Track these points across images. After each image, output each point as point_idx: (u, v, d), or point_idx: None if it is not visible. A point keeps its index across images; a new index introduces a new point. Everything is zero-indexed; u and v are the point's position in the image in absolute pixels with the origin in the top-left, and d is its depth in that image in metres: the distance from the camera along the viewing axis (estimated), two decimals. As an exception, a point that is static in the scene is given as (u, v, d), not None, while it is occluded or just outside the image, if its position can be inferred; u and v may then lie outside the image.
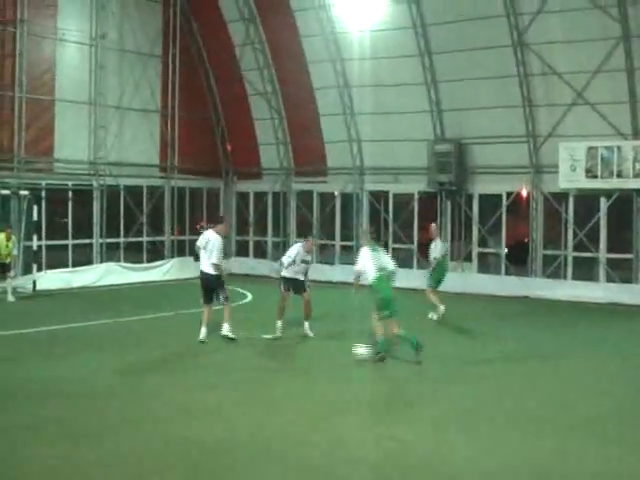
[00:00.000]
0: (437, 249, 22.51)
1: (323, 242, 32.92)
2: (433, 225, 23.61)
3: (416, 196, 30.77)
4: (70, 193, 29.97)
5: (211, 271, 18.19)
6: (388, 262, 16.71)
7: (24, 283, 26.98)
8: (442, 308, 21.97)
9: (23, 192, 27.50)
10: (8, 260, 24.72)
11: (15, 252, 25.26)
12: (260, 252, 35.18)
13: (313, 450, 10.80)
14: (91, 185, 30.50)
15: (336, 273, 30.80)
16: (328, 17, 30.54)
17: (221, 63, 34.30)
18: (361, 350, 16.23)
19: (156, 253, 32.94)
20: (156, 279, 31.28)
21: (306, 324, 19.16)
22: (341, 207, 32.92)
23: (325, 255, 33.16)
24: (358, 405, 13.10)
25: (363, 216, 31.89)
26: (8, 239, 24.73)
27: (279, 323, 18.92)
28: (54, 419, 12.01)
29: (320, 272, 28.91)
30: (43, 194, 28.79)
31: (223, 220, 21.56)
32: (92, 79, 30.33)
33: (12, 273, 25.15)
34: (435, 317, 22.04)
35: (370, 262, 16.43)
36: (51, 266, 28.66)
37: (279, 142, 33.91)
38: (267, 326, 19.24)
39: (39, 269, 27.78)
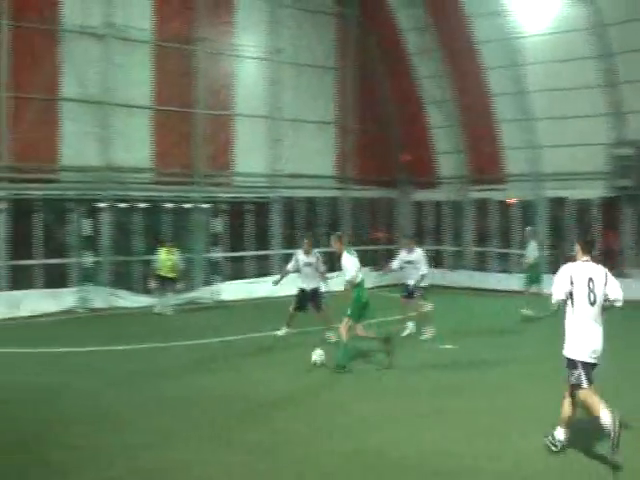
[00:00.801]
0: (530, 252, 23.29)
1: (502, 251, 31.50)
2: (528, 228, 24.84)
3: (595, 202, 28.93)
4: (248, 205, 29.81)
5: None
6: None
7: (205, 294, 26.99)
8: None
9: (204, 205, 27.58)
10: (172, 275, 24.58)
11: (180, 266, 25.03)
12: (436, 261, 33.98)
13: (502, 465, 9.89)
14: (269, 197, 30.26)
15: (514, 282, 29.32)
16: (503, 22, 29.12)
17: (396, 72, 33.43)
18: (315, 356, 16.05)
19: (334, 264, 32.23)
20: (334, 290, 30.53)
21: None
22: (519, 215, 31.28)
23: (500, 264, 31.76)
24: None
25: (541, 223, 30.17)
26: (170, 253, 24.61)
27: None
28: (228, 427, 11.65)
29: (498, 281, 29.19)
30: (223, 207, 28.73)
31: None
32: (269, 93, 30.14)
33: (178, 286, 24.91)
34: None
35: (354, 267, 16.00)
36: (232, 277, 28.55)
37: (455, 150, 32.66)
38: (446, 336, 18.81)
39: (220, 280, 27.70)
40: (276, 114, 30.17)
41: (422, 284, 19.93)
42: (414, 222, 34.76)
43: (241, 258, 29.54)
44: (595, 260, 10.22)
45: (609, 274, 10.08)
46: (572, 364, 9.87)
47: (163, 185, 27.61)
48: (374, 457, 10.25)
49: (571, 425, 10.15)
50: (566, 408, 10.09)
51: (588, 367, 9.82)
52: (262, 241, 30.06)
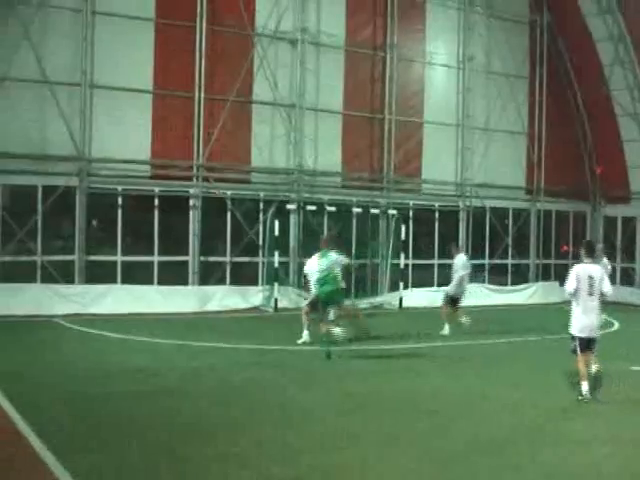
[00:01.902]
0: None
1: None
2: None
3: None
4: (436, 213, 28.33)
5: None
6: (332, 266, 16.85)
7: (390, 300, 25.68)
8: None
9: (391, 211, 26.43)
10: None
11: None
12: (627, 279, 31.29)
13: None
14: (457, 206, 28.68)
15: None
16: None
17: (589, 83, 31.15)
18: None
19: (520, 276, 30.30)
20: (520, 302, 28.64)
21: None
22: None
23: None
24: None
25: None
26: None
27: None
28: (415, 435, 10.30)
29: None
30: (410, 214, 27.40)
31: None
32: (459, 101, 28.66)
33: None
34: None
35: (315, 266, 16.86)
36: (416, 284, 27.13)
37: (650, 164, 30.02)
38: (632, 356, 16.74)
39: (405, 287, 26.31)
40: (466, 122, 28.64)
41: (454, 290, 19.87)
42: (605, 238, 32.27)
43: (426, 266, 28.02)
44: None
45: (605, 273, 13.21)
46: (572, 338, 12.89)
47: (351, 189, 26.66)
48: None
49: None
50: (581, 366, 12.75)
51: (583, 340, 12.73)
52: (449, 249, 28.37)
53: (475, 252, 28.22)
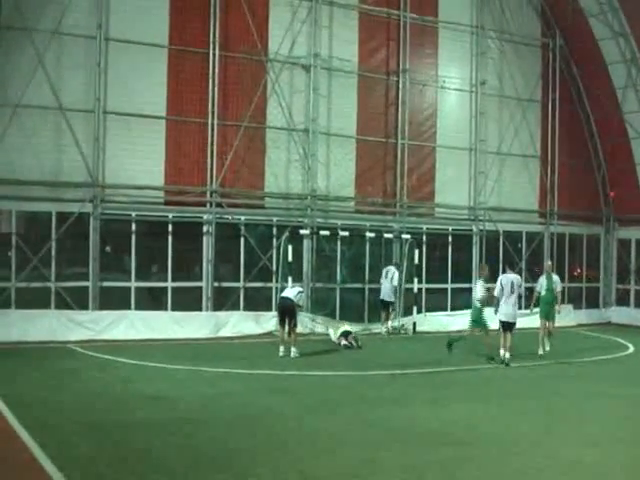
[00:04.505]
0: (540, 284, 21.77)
1: None
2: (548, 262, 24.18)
3: None
4: (450, 237, 28.24)
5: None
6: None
7: (404, 324, 25.60)
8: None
9: (405, 236, 26.39)
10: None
11: None
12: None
13: None
14: (471, 230, 28.58)
15: None
16: None
17: (602, 106, 31.04)
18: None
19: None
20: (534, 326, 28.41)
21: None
22: None
23: None
24: None
25: None
26: None
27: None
28: (433, 463, 10.11)
29: None
30: (424, 238, 27.33)
31: None
32: (472, 125, 28.62)
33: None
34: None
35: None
36: (430, 309, 27.00)
37: (663, 187, 29.88)
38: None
39: (419, 311, 26.21)
40: (479, 146, 28.58)
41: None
42: (619, 260, 32.13)
43: (440, 290, 27.89)
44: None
45: (520, 280, 19.53)
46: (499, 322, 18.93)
47: (365, 214, 26.60)
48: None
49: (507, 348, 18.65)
50: (502, 340, 18.78)
51: (504, 323, 18.77)
52: (462, 274, 28.36)
53: (489, 276, 28.12)
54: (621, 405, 14.54)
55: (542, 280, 21.55)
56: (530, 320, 22.34)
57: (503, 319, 18.74)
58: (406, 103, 27.05)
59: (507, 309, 18.70)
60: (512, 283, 18.84)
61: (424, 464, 10.05)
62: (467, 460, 10.29)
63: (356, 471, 9.67)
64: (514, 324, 18.86)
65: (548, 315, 21.16)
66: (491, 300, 19.38)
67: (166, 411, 12.92)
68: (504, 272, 20.13)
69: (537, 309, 21.67)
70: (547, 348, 20.75)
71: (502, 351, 18.72)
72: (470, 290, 28.09)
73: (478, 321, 19.82)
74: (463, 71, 28.60)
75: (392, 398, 14.73)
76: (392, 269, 25.05)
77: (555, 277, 21.74)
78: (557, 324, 21.71)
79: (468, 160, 28.62)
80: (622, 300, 31.84)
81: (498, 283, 18.91)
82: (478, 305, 19.95)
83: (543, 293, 21.29)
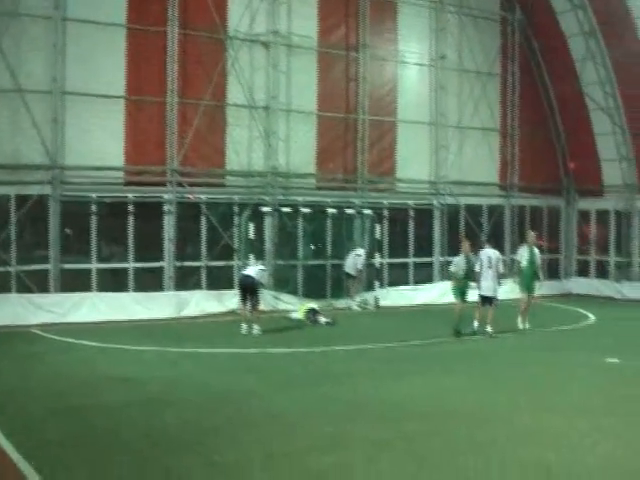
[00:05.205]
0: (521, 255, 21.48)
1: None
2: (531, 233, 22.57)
3: None
4: (411, 212, 28.67)
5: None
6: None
7: (366, 299, 26.05)
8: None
9: (366, 211, 26.72)
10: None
11: None
12: (602, 272, 31.83)
13: None
14: (432, 204, 29.02)
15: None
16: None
17: (561, 79, 31.49)
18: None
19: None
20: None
21: None
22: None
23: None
24: None
25: None
26: None
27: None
28: (398, 437, 10.50)
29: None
30: (385, 213, 27.73)
31: None
32: (432, 99, 28.95)
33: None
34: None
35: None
36: (393, 283, 27.48)
37: (622, 158, 30.39)
38: (606, 350, 17.20)
39: (381, 286, 26.68)
40: (439, 121, 28.95)
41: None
42: (579, 232, 32.82)
43: (402, 265, 28.37)
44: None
45: (498, 254, 20.23)
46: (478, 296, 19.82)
47: (326, 190, 26.90)
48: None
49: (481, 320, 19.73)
50: (476, 313, 19.87)
51: (483, 297, 19.75)
52: (424, 248, 28.84)
53: (450, 249, 28.73)
54: (585, 374, 15.05)
55: (523, 252, 21.30)
56: (506, 292, 22.27)
57: (481, 293, 19.67)
58: (366, 78, 27.28)
59: (486, 284, 19.54)
60: (490, 258, 19.71)
61: (390, 438, 10.38)
62: (433, 433, 10.67)
63: (322, 446, 10.00)
64: (493, 298, 19.64)
65: (530, 288, 21.08)
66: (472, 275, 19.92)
67: (132, 393, 13.14)
68: (483, 248, 20.78)
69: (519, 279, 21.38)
70: (527, 325, 20.81)
71: (475, 323, 19.78)
72: (431, 264, 28.97)
73: (455, 292, 20.26)
74: (423, 46, 28.87)
75: (357, 373, 15.09)
76: (361, 252, 25.58)
77: (536, 249, 21.59)
78: (517, 296, 21.59)
79: (429, 134, 28.97)
80: (583, 271, 32.58)
81: (478, 259, 19.85)
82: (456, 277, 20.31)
83: (524, 264, 21.08)
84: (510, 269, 24.76)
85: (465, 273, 20.07)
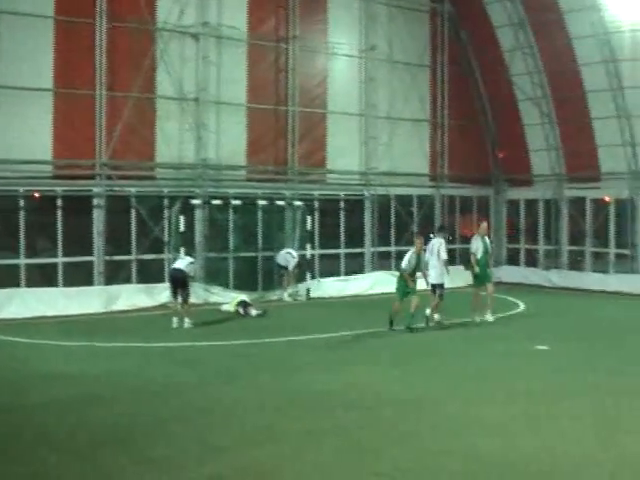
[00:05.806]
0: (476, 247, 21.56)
1: (597, 250, 30.22)
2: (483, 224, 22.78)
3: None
4: (342, 203, 29.16)
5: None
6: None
7: (298, 291, 26.48)
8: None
9: (297, 203, 27.09)
10: None
11: None
12: (531, 260, 32.76)
13: (599, 470, 9.16)
14: (362, 195, 29.52)
15: (611, 282, 28.44)
16: (600, 17, 27.59)
17: (490, 69, 32.18)
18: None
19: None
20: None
21: None
22: (615, 214, 29.79)
23: (599, 264, 30.29)
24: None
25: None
26: None
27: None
28: (333, 427, 10.96)
29: (594, 281, 28.63)
30: (316, 204, 28.17)
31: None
32: (362, 91, 29.38)
33: None
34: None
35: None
36: (324, 274, 27.94)
37: (550, 148, 31.27)
38: (536, 338, 17.95)
39: (312, 277, 27.15)
40: (370, 112, 29.36)
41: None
42: (508, 221, 33.68)
43: (334, 255, 28.85)
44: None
45: (443, 244, 20.77)
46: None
47: (257, 182, 27.21)
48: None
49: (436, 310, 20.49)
50: (433, 302, 20.48)
51: (435, 286, 20.50)
52: (355, 239, 29.33)
53: (381, 240, 29.41)
54: (517, 362, 15.70)
55: (477, 243, 21.40)
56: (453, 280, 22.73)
57: (430, 281, 20.42)
58: (296, 70, 27.54)
59: (432, 272, 20.42)
60: (433, 246, 20.64)
61: (324, 429, 10.76)
62: (368, 424, 11.06)
63: (256, 438, 10.32)
64: (439, 285, 20.45)
65: (488, 277, 21.53)
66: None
67: (64, 390, 13.24)
68: (433, 237, 21.75)
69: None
70: (490, 319, 21.19)
71: (428, 310, 20.38)
72: (362, 255, 29.50)
73: (398, 289, 20.06)
74: (353, 37, 29.20)
75: (291, 364, 15.51)
76: (295, 254, 25.93)
77: (487, 239, 21.90)
78: (448, 285, 21.69)
79: (359, 126, 29.35)
80: (514, 259, 33.43)
81: (427, 248, 20.67)
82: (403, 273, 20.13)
83: (480, 256, 21.25)
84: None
85: (412, 270, 19.87)
